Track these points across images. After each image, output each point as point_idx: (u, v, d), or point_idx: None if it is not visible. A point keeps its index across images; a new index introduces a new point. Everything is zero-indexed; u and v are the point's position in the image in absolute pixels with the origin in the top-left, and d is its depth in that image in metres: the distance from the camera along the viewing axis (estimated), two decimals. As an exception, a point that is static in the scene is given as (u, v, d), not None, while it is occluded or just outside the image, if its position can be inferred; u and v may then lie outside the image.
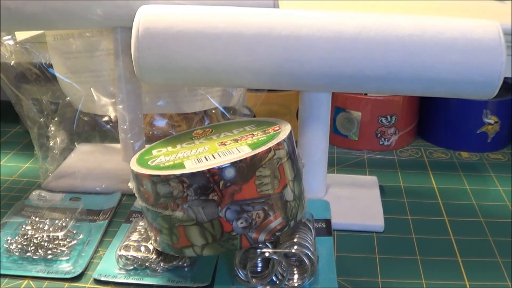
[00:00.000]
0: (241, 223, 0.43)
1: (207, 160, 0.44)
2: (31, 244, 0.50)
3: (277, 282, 0.45)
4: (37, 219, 0.54)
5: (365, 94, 0.71)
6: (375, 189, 0.62)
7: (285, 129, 0.47)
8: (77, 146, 0.70)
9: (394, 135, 0.73)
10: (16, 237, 0.52)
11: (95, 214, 0.57)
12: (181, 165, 0.44)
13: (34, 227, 0.53)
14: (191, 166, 0.43)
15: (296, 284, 0.45)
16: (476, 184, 0.65)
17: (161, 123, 0.72)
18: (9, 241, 0.51)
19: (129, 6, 0.55)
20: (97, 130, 0.69)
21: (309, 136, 0.57)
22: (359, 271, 0.49)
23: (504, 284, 0.48)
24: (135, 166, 0.46)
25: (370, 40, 0.50)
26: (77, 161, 0.67)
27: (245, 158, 0.42)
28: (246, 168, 0.42)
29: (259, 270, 0.46)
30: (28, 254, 0.50)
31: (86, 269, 0.49)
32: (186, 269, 0.48)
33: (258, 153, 0.42)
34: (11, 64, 0.63)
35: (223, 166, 0.42)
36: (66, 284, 0.48)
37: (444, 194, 0.62)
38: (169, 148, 0.50)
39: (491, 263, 0.50)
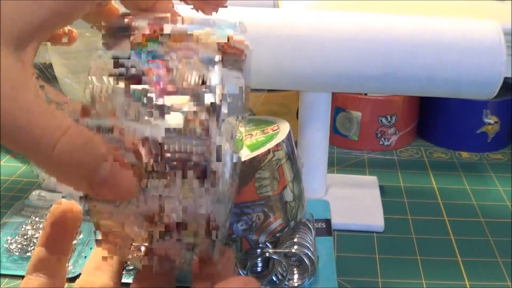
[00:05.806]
0: (241, 225, 0.43)
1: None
2: (31, 244, 0.50)
3: (277, 282, 0.45)
4: (37, 219, 0.54)
5: (365, 94, 0.70)
6: (375, 189, 0.62)
7: (284, 129, 0.47)
8: (77, 146, 0.70)
9: (394, 135, 0.73)
10: (16, 237, 0.52)
11: (95, 214, 0.57)
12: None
13: (34, 227, 0.53)
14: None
15: (296, 284, 0.45)
16: (476, 184, 0.65)
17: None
18: (9, 241, 0.51)
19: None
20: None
21: (309, 136, 0.57)
22: (359, 271, 0.49)
23: (504, 284, 0.48)
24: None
25: (370, 40, 0.50)
26: (77, 161, 0.67)
27: (244, 161, 0.42)
28: (245, 171, 0.42)
29: (259, 270, 0.46)
30: (28, 254, 0.50)
31: (86, 269, 0.49)
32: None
33: (257, 155, 0.42)
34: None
35: (222, 167, 0.41)
36: (66, 284, 0.47)
37: (444, 194, 0.62)
38: (169, 148, 0.50)
39: (491, 263, 0.50)
